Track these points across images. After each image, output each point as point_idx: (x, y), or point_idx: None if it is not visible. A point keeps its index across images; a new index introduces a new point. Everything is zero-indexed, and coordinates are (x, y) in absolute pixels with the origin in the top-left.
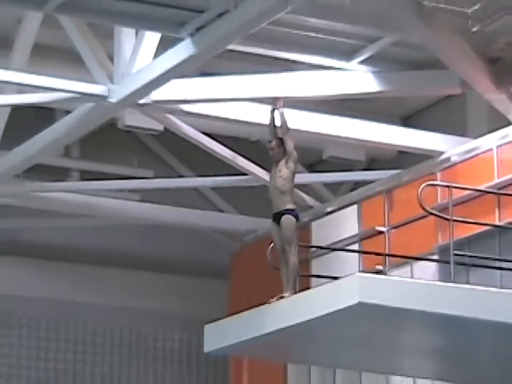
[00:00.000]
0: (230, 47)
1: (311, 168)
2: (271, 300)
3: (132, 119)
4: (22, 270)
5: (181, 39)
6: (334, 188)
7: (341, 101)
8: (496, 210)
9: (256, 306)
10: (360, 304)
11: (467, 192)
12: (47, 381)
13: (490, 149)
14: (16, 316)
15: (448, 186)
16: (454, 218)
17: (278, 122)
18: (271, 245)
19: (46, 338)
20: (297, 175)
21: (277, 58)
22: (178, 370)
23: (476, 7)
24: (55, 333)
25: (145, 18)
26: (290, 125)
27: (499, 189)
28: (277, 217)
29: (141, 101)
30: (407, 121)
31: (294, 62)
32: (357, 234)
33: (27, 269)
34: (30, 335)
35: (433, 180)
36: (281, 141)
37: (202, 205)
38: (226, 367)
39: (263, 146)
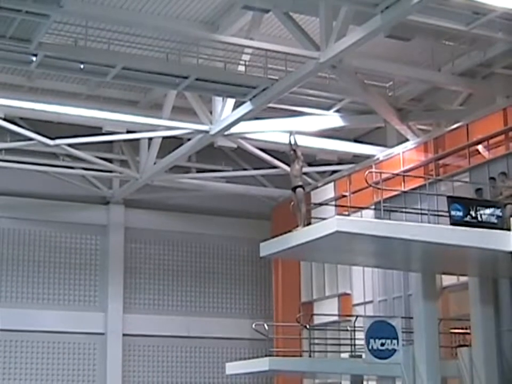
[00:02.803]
0: (269, 105)
1: (310, 164)
2: (293, 229)
3: (221, 142)
4: (167, 218)
5: (245, 102)
6: (322, 174)
7: (324, 130)
8: (402, 184)
9: (285, 233)
10: (337, 232)
11: (388, 174)
12: (179, 264)
13: (399, 153)
14: (159, 238)
15: (379, 172)
16: (383, 187)
17: (293, 142)
18: (292, 203)
19: (177, 249)
20: (303, 168)
21: (290, 110)
22: (247, 265)
23: (390, 83)
24: (180, 247)
25: (228, 91)
26: (299, 142)
27: (403, 172)
28: (294, 189)
29: (226, 133)
30: (357, 139)
31: (299, 112)
32: (333, 197)
33: (169, 217)
34: (168, 247)
35: (371, 169)
36: (295, 151)
37: (256, 184)
38: (271, 264)
39: (286, 154)
